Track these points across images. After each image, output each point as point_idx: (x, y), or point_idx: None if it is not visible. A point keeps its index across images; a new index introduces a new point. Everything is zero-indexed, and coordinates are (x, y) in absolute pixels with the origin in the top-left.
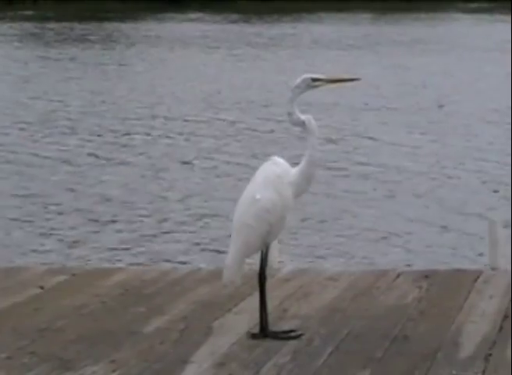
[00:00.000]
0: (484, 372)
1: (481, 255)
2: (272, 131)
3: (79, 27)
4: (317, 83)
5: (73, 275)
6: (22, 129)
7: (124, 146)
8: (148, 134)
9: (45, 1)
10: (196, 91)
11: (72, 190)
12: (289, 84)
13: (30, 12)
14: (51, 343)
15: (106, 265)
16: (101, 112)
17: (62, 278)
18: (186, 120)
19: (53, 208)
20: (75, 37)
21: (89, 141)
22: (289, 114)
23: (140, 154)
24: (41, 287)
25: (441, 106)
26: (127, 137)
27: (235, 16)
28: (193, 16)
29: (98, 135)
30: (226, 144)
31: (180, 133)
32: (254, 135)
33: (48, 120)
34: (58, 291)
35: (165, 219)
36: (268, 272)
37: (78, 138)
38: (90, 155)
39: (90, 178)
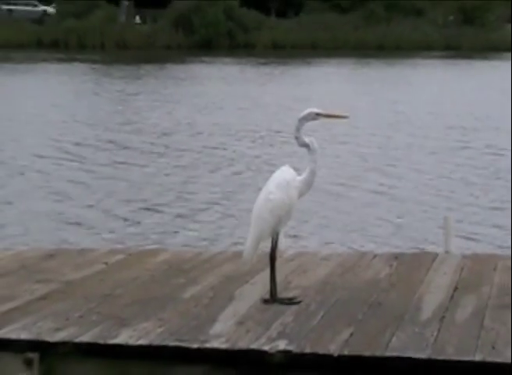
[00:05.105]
0: (439, 330)
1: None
2: None
3: (144, 68)
4: (318, 116)
5: (130, 254)
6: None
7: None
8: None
9: (110, 48)
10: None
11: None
12: (297, 116)
13: (98, 57)
14: (112, 306)
15: (155, 246)
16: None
17: (121, 257)
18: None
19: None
20: (146, 75)
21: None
22: (297, 138)
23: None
24: (105, 264)
25: None
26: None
27: (257, 59)
28: (224, 59)
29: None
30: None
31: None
32: None
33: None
34: (118, 267)
35: (204, 214)
36: (276, 253)
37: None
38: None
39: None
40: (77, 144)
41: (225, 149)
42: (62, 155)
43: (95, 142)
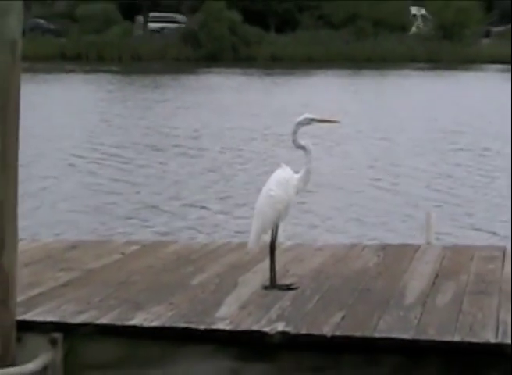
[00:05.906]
0: (422, 313)
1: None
2: None
3: (159, 78)
4: (312, 121)
5: (144, 246)
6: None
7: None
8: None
9: (127, 60)
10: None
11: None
12: (293, 121)
13: (117, 68)
14: (128, 291)
15: (166, 239)
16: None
17: (136, 247)
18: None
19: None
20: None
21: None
22: (294, 141)
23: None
24: (122, 253)
25: None
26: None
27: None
28: (228, 70)
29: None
30: None
31: None
32: None
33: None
34: (134, 256)
35: (208, 210)
36: (276, 244)
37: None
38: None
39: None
40: (117, 146)
41: (239, 150)
42: (101, 156)
43: (131, 144)
